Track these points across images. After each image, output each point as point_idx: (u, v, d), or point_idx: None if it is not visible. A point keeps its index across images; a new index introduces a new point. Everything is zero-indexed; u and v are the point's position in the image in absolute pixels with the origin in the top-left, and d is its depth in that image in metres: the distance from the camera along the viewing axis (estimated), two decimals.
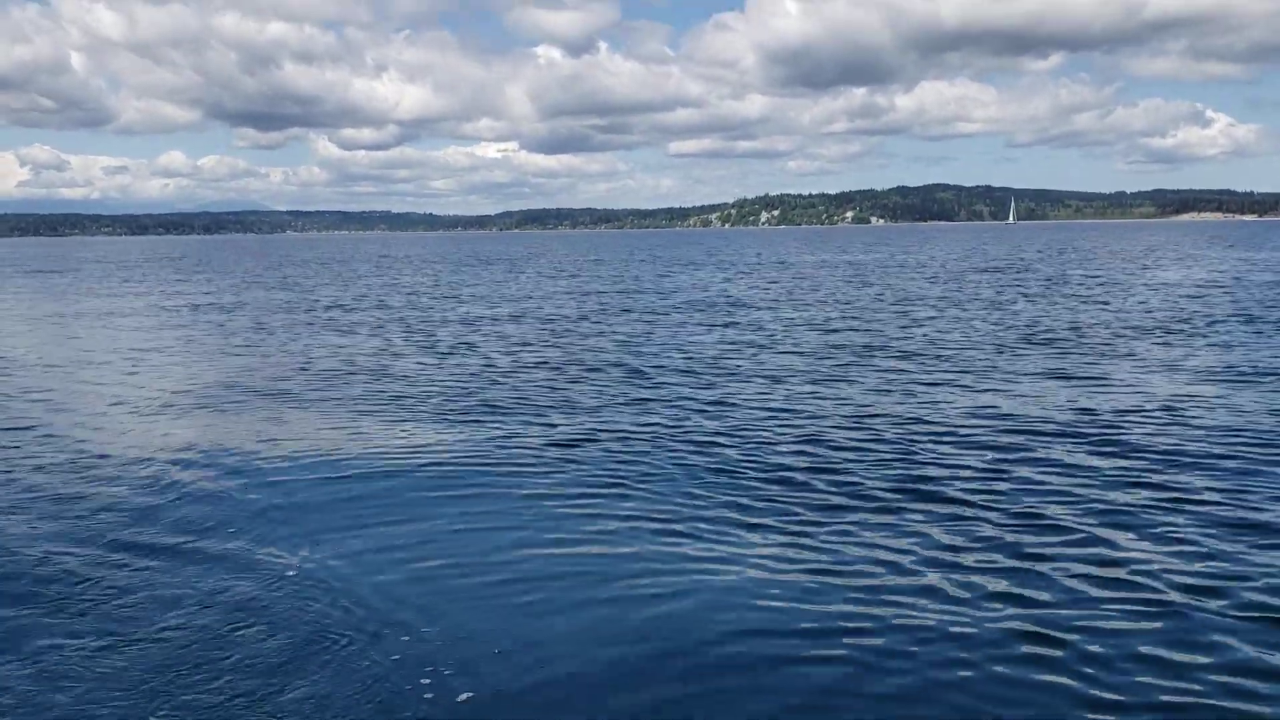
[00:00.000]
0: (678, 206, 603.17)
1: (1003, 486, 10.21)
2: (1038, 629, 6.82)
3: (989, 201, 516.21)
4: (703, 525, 9.21)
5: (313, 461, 11.95)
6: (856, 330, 24.81)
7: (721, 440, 12.55)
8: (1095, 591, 7.44)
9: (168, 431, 13.94)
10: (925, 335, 23.59)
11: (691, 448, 12.18)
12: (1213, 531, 8.66)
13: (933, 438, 12.42)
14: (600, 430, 13.37)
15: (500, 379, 18.11)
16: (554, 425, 13.81)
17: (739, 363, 19.55)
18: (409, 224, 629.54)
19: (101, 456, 12.41)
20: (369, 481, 11.01)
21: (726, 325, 26.70)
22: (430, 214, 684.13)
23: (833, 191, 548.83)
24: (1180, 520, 8.99)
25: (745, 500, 9.96)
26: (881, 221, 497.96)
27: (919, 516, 9.31)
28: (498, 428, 13.73)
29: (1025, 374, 17.36)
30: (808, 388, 16.46)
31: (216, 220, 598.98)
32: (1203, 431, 12.41)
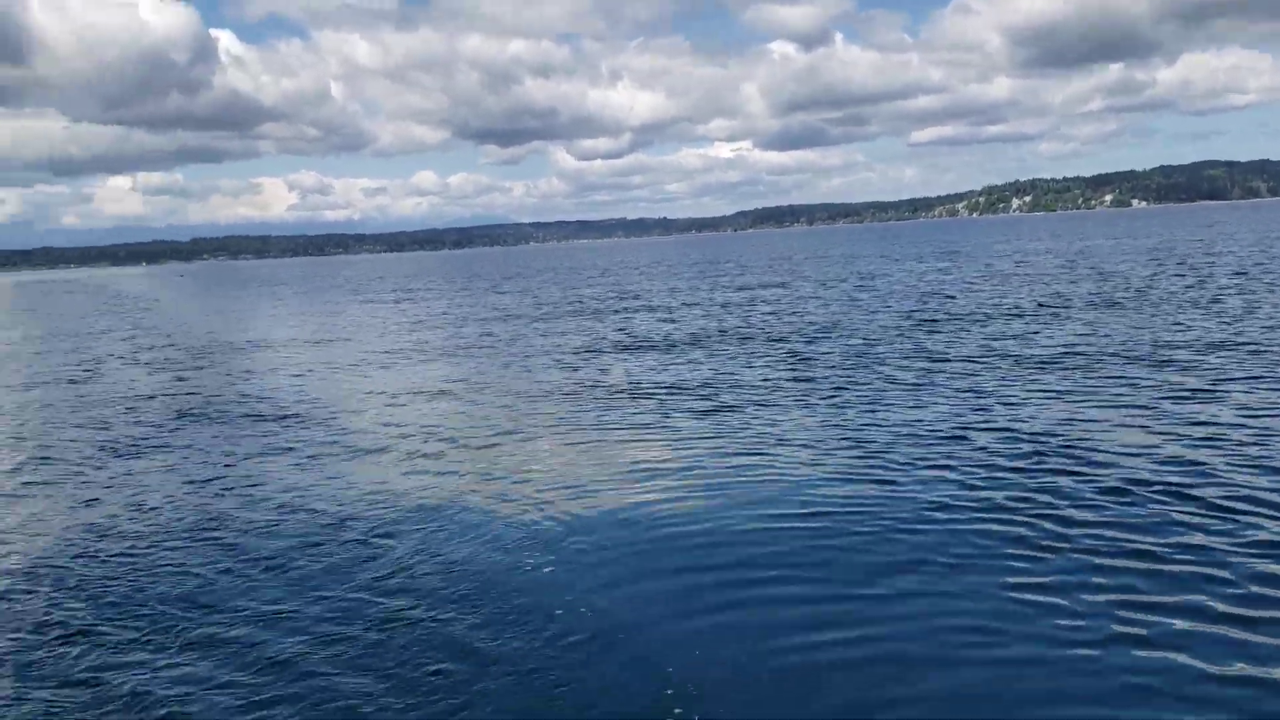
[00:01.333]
0: (921, 197, 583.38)
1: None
2: None
3: (1266, 177, 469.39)
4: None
5: (606, 497, 10.99)
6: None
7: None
8: None
9: (431, 463, 13.37)
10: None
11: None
12: None
13: None
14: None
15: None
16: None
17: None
18: (644, 229, 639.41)
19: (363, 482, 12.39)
20: (661, 515, 10.07)
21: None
22: (665, 218, 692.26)
23: (1088, 174, 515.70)
24: None
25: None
26: (1144, 204, 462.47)
27: None
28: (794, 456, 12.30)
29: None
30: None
31: (466, 235, 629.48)
32: None
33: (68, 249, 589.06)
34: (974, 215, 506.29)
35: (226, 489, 12.45)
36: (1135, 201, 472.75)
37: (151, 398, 21.11)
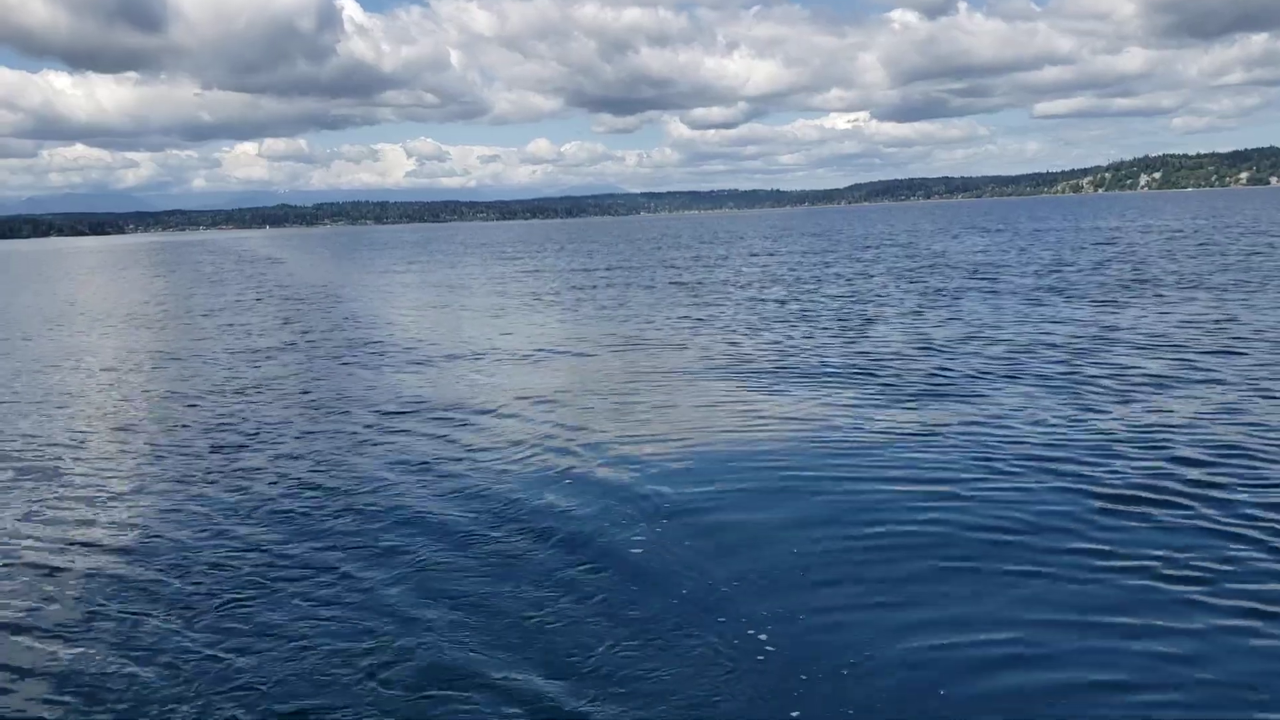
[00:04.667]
0: (1044, 172, 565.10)
1: None
2: None
3: None
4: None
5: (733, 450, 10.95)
6: None
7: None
8: None
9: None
10: None
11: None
12: None
13: None
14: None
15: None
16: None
17: None
18: (756, 201, 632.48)
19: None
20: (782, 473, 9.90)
21: None
22: (777, 190, 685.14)
23: (1224, 151, 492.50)
24: None
25: None
26: None
27: None
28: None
29: None
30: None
31: (577, 204, 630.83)
32: None
33: (197, 212, 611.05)
34: (1099, 191, 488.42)
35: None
36: (1275, 179, 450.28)
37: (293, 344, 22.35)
